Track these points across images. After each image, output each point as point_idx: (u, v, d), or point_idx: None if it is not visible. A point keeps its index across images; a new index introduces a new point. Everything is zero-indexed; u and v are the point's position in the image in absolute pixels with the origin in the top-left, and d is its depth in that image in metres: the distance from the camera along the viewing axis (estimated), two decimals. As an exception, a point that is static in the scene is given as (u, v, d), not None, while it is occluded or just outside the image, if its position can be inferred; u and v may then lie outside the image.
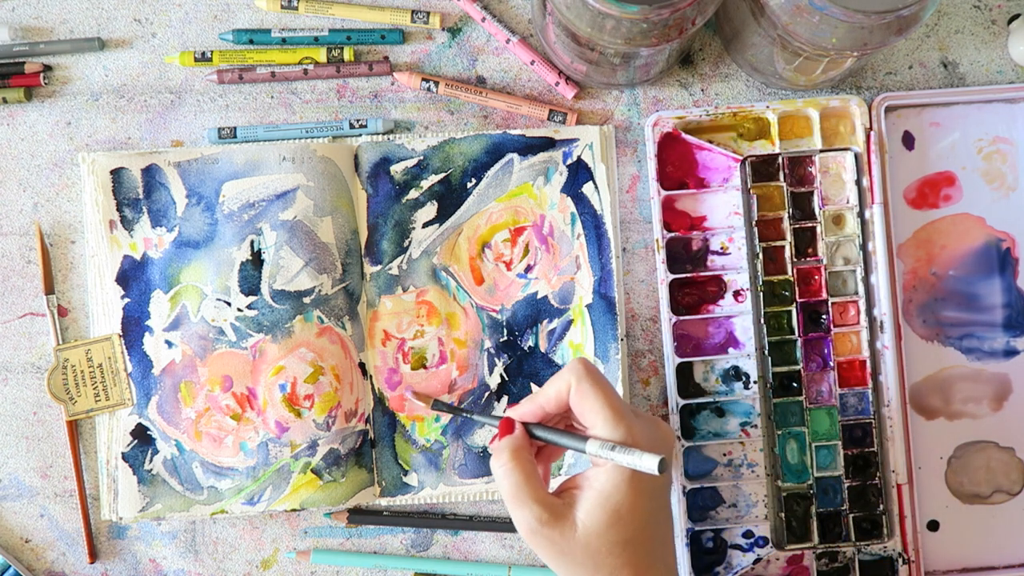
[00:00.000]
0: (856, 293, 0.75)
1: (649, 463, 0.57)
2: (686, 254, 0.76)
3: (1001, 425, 0.77)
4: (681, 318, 0.75)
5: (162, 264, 0.75)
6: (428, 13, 0.76)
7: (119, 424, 0.75)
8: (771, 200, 0.76)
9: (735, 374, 0.76)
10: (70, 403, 0.75)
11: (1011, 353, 0.77)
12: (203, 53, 0.76)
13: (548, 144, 0.76)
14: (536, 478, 0.60)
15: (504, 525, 0.76)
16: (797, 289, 0.75)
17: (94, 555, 0.76)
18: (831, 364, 0.75)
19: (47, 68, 0.77)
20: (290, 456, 0.74)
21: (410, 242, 0.76)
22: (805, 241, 0.75)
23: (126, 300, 0.75)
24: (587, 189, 0.76)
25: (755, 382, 0.75)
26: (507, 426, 0.63)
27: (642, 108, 0.77)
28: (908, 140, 0.77)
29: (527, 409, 0.63)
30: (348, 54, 0.76)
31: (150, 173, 0.75)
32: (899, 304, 0.75)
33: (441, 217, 0.76)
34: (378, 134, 0.76)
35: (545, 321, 0.76)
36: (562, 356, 0.76)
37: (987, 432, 0.77)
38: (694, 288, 0.76)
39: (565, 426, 0.65)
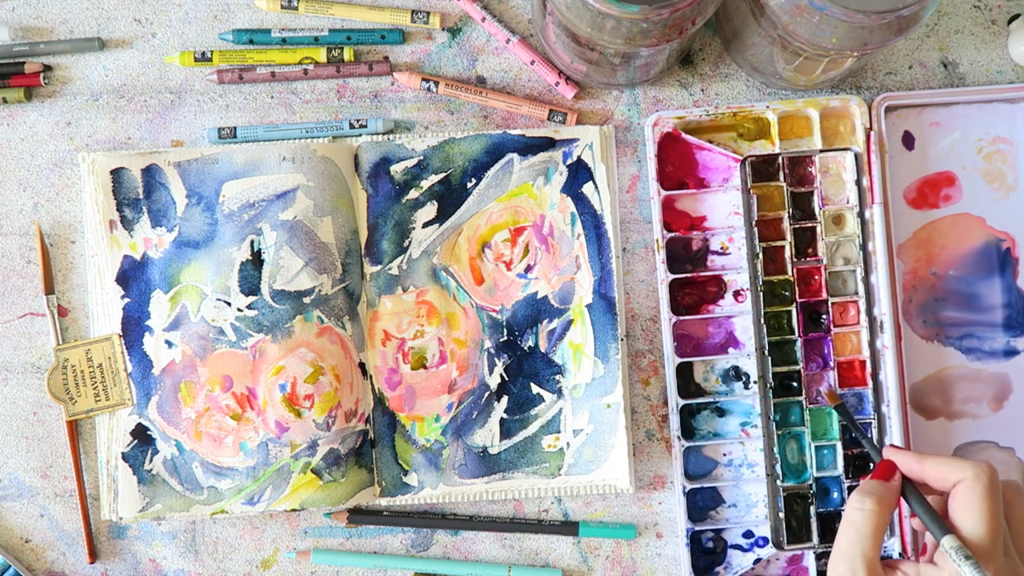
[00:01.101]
0: (856, 293, 0.75)
1: None
2: (686, 254, 0.76)
3: (1001, 425, 0.77)
4: (681, 318, 0.75)
5: (162, 264, 0.75)
6: (428, 13, 0.76)
7: (119, 424, 0.75)
8: (771, 200, 0.76)
9: (735, 374, 0.76)
10: (70, 403, 0.75)
11: (1011, 353, 0.77)
12: (203, 53, 0.76)
13: (548, 144, 0.76)
14: (881, 541, 0.58)
15: (504, 525, 0.76)
16: (797, 289, 0.75)
17: (94, 555, 0.76)
18: (831, 364, 0.75)
19: (47, 68, 0.77)
20: (290, 456, 0.74)
21: (410, 242, 0.76)
22: (805, 241, 0.75)
23: (126, 300, 0.75)
24: (587, 189, 0.76)
25: (755, 382, 0.75)
26: (888, 470, 0.60)
27: (642, 108, 0.77)
28: (908, 140, 0.77)
29: (907, 461, 0.60)
30: (348, 54, 0.76)
31: (150, 173, 0.75)
32: (899, 304, 0.75)
33: (441, 217, 0.76)
34: (378, 134, 0.76)
35: (545, 321, 0.76)
36: (562, 356, 0.76)
37: (987, 432, 0.77)
38: (694, 288, 0.76)
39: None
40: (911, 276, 0.77)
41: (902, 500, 0.61)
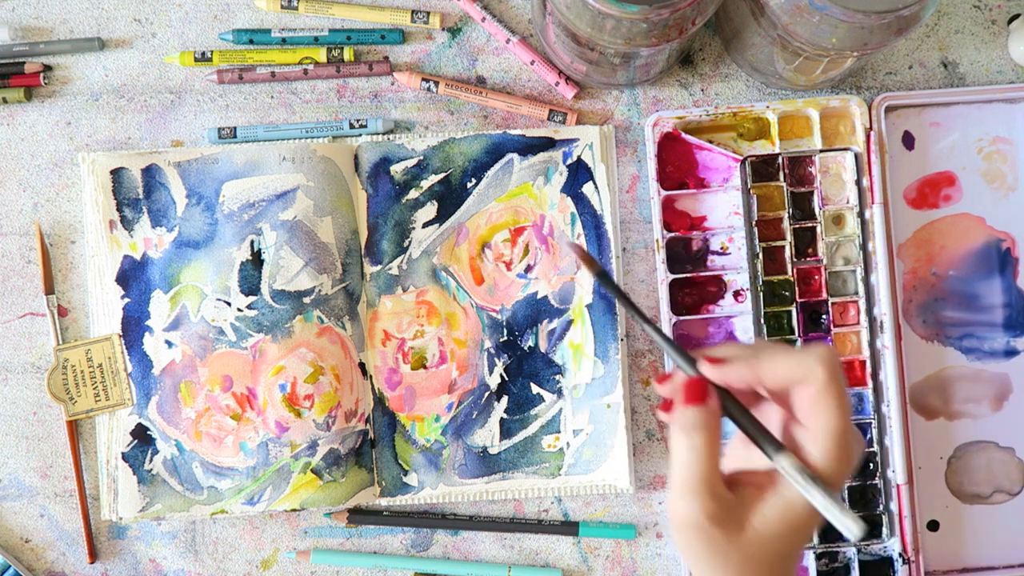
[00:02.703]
0: (856, 293, 0.75)
1: (852, 527, 0.49)
2: (686, 254, 0.76)
3: (1001, 425, 0.77)
4: (681, 318, 0.75)
5: (162, 264, 0.75)
6: (428, 13, 0.76)
7: (119, 424, 0.75)
8: (771, 200, 0.76)
9: (735, 374, 0.76)
10: (70, 403, 0.75)
11: (1011, 353, 0.77)
12: (203, 53, 0.76)
13: (548, 144, 0.76)
14: (718, 467, 0.51)
15: (504, 525, 0.76)
16: (797, 289, 0.75)
17: (94, 555, 0.76)
18: (831, 364, 0.75)
19: (47, 68, 0.77)
20: (290, 456, 0.74)
21: (410, 242, 0.76)
22: (805, 241, 0.75)
23: (126, 300, 0.75)
24: (587, 189, 0.76)
25: (755, 382, 0.75)
26: (701, 392, 0.52)
27: (642, 108, 0.77)
28: (908, 140, 0.77)
29: (739, 374, 0.52)
30: (348, 54, 0.76)
31: (150, 173, 0.75)
32: (899, 304, 0.75)
33: (441, 217, 0.76)
34: (378, 134, 0.76)
35: (545, 321, 0.76)
36: (562, 356, 0.76)
37: (987, 432, 0.77)
38: (694, 288, 0.76)
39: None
40: (911, 276, 0.77)
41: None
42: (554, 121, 0.77)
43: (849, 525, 0.49)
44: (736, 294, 0.76)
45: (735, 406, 0.52)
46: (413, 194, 0.76)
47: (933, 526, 0.76)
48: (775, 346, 0.53)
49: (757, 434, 0.52)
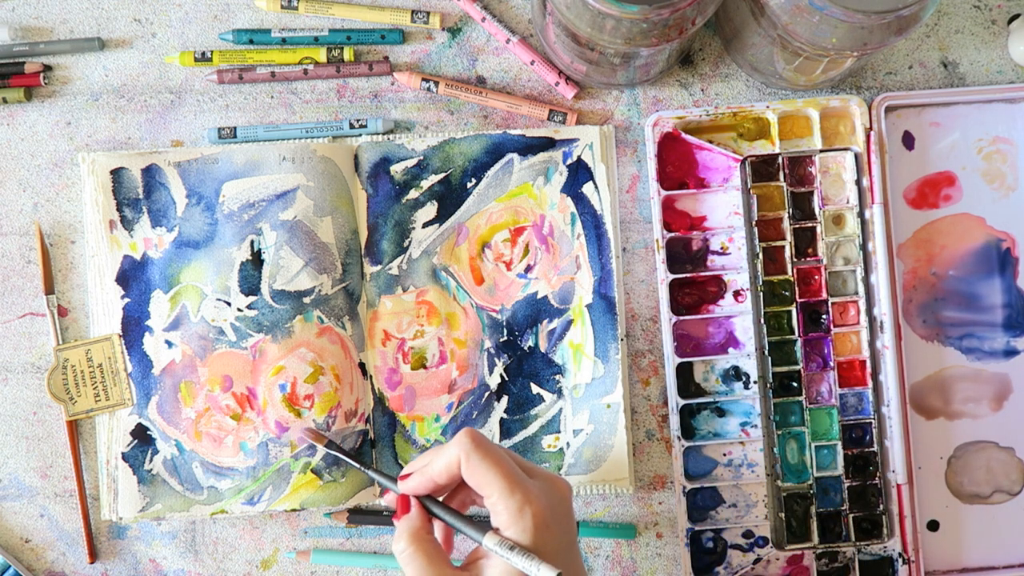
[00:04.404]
0: (856, 293, 0.75)
1: (546, 574, 0.57)
2: (686, 254, 0.76)
3: (1001, 425, 0.77)
4: (681, 318, 0.75)
5: (162, 264, 0.75)
6: (428, 13, 0.76)
7: (119, 424, 0.75)
8: (771, 200, 0.76)
9: (735, 374, 0.76)
10: (70, 403, 0.75)
11: (1011, 353, 0.77)
12: (203, 53, 0.76)
13: (548, 144, 0.76)
14: (439, 558, 0.60)
15: (504, 525, 0.76)
16: (797, 289, 0.75)
17: (94, 555, 0.76)
18: (831, 364, 0.75)
19: (47, 68, 0.77)
20: (290, 456, 0.74)
21: (410, 242, 0.76)
22: (805, 241, 0.76)
23: (126, 300, 0.75)
24: (587, 189, 0.76)
25: (755, 382, 0.75)
26: (404, 504, 0.62)
27: (642, 108, 0.77)
28: (908, 140, 0.77)
29: (418, 483, 0.62)
30: (348, 54, 0.76)
31: (150, 173, 0.75)
32: (899, 304, 0.75)
33: (441, 217, 0.76)
34: (378, 134, 0.76)
35: (545, 321, 0.76)
36: (562, 356, 0.76)
37: (987, 432, 0.77)
38: (694, 288, 0.76)
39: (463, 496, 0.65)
40: (911, 276, 0.77)
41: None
42: (554, 121, 0.77)
43: (545, 572, 0.57)
44: (736, 294, 0.76)
45: (438, 507, 0.62)
46: (413, 194, 0.76)
47: (933, 526, 0.76)
48: (434, 448, 0.62)
49: (462, 524, 0.61)
